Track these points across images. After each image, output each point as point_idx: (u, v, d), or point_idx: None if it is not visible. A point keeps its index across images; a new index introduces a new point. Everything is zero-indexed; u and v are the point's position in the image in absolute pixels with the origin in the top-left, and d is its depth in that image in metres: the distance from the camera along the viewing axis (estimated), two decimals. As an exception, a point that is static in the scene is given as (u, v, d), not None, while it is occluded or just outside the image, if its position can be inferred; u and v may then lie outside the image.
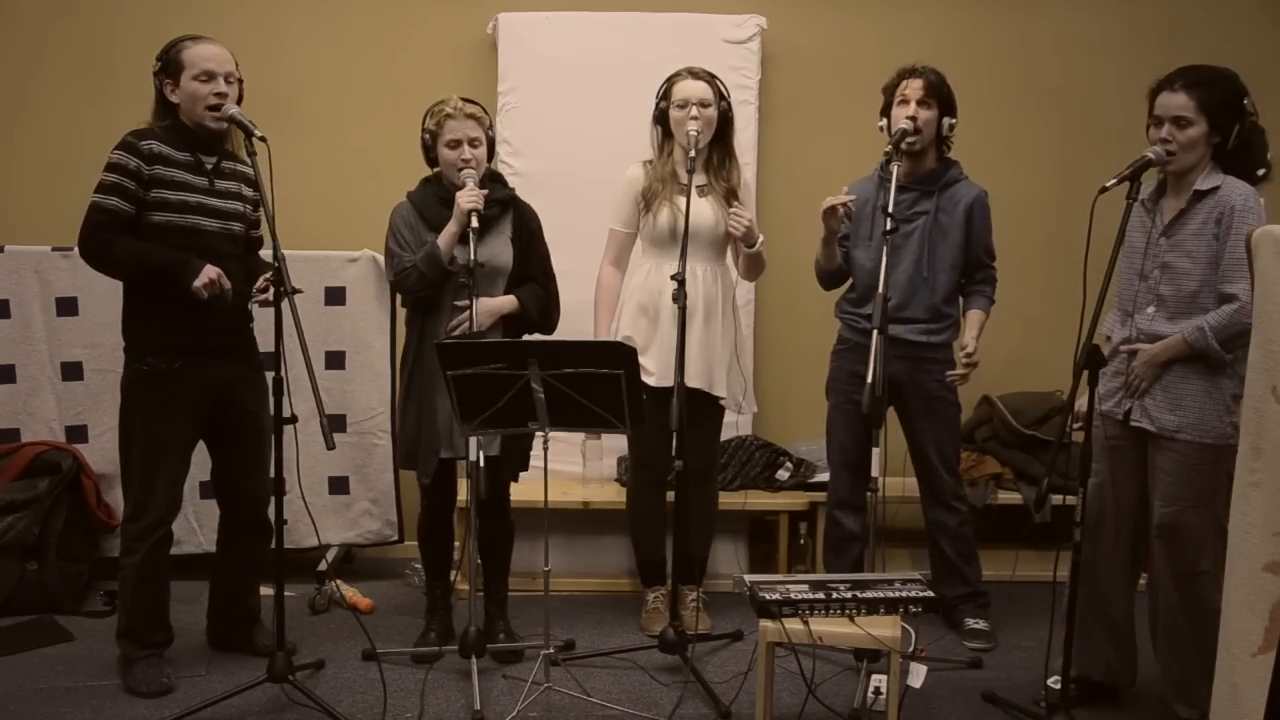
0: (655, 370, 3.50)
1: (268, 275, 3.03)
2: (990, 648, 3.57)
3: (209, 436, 3.30)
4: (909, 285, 3.51)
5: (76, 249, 3.10)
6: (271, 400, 2.99)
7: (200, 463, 3.30)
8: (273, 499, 3.06)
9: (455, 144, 3.31)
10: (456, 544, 3.74)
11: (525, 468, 3.49)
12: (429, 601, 3.61)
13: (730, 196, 3.56)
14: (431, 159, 3.42)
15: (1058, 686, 2.91)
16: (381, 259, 4.04)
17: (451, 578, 3.63)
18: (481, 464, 3.06)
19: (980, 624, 3.64)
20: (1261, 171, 2.91)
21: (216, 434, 3.29)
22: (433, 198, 3.39)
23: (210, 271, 3.02)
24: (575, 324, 3.66)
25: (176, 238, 3.09)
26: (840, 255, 3.59)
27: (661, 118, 3.57)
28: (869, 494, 3.13)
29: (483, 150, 3.35)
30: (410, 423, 3.43)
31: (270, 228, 2.99)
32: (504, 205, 3.43)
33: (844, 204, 3.37)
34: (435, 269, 3.29)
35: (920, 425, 3.59)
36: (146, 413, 3.14)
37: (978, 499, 4.04)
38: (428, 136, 3.38)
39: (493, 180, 3.45)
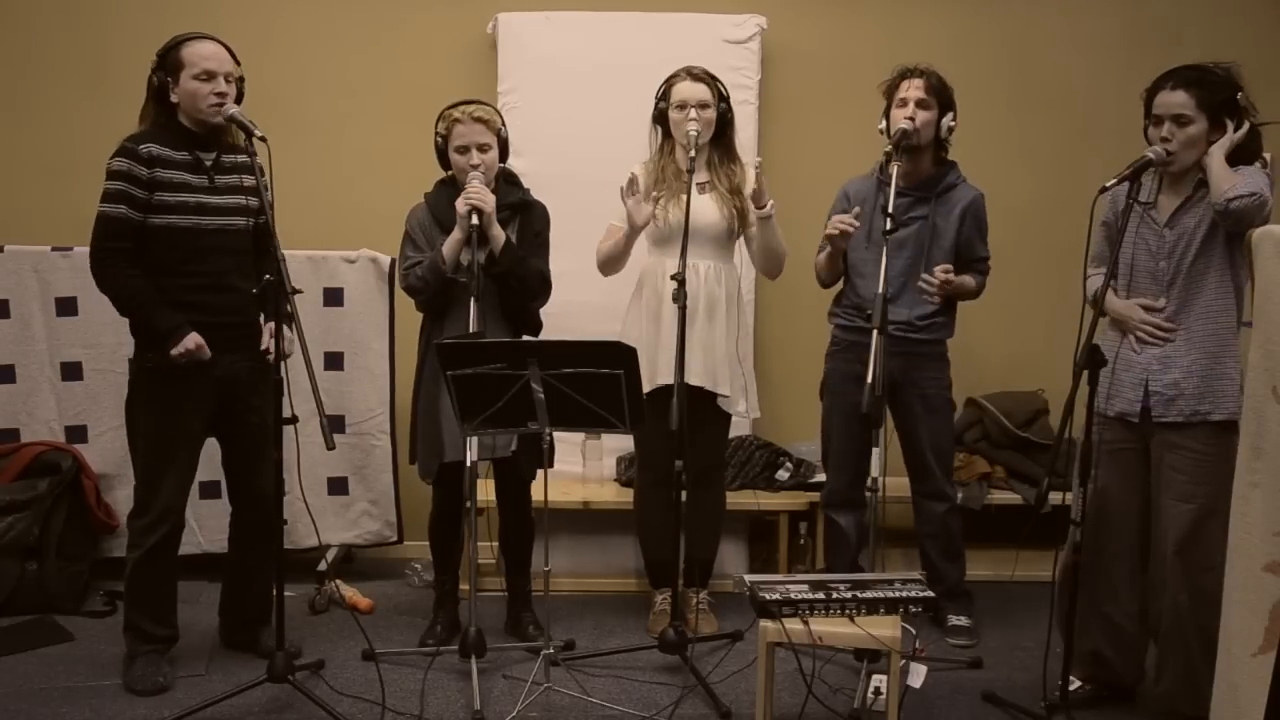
0: (663, 369, 3.48)
1: (267, 348, 3.04)
2: (972, 644, 3.57)
3: (218, 434, 3.30)
4: (900, 287, 3.50)
5: (89, 263, 3.11)
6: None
7: (203, 462, 3.29)
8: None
9: (463, 150, 3.33)
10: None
11: (549, 464, 3.45)
12: (437, 595, 3.62)
13: (734, 194, 3.56)
14: (445, 162, 3.43)
15: (1072, 689, 2.92)
16: (381, 259, 4.06)
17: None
18: (473, 466, 3.06)
19: (962, 620, 3.65)
20: (1258, 165, 2.91)
21: (224, 431, 3.29)
22: (446, 200, 3.39)
23: (189, 341, 3.04)
24: (576, 324, 3.65)
25: (178, 239, 3.09)
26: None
27: (660, 118, 3.57)
28: (869, 494, 3.13)
29: (493, 154, 3.36)
30: (421, 424, 3.45)
31: (270, 229, 3.00)
32: (515, 209, 3.44)
33: (851, 225, 3.38)
34: (435, 276, 3.31)
35: (916, 422, 3.60)
36: (151, 408, 3.14)
37: (974, 501, 4.03)
38: (439, 140, 3.40)
39: (506, 182, 3.45)
